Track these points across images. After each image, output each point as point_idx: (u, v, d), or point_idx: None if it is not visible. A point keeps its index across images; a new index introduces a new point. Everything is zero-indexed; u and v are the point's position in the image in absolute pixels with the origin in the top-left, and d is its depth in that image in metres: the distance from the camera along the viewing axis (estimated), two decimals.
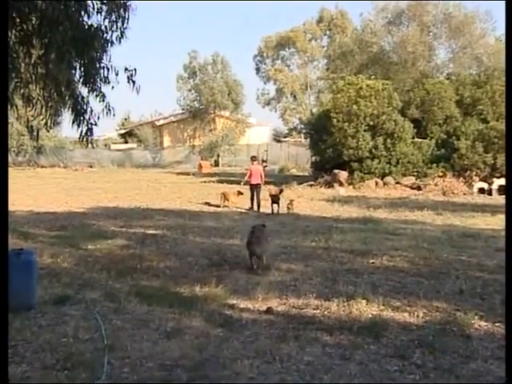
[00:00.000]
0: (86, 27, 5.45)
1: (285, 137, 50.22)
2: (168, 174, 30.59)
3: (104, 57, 5.63)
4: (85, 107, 5.79)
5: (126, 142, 45.00)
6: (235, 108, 42.35)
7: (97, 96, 5.73)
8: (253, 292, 6.08)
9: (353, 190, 19.13)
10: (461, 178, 19.23)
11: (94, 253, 8.28)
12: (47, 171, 32.37)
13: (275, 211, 13.58)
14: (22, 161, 36.44)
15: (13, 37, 5.40)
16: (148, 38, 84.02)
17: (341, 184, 19.82)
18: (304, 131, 37.27)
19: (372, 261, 7.74)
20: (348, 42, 28.20)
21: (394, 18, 25.32)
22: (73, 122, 5.83)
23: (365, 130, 20.29)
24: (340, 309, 5.46)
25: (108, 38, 5.56)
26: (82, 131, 5.86)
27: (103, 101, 5.75)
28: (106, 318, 5.16)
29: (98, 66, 5.58)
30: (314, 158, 24.51)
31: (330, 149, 20.92)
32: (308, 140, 27.44)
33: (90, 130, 5.88)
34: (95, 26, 5.51)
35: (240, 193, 14.86)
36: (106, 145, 43.88)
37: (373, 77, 22.31)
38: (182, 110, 43.29)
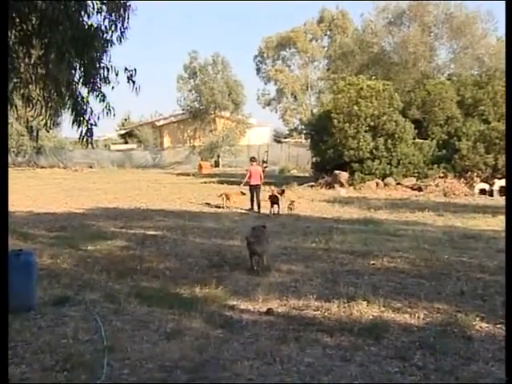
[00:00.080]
0: (86, 27, 5.45)
1: (285, 137, 50.20)
2: (168, 174, 30.58)
3: (104, 57, 5.64)
4: (85, 107, 5.78)
5: (126, 143, 45.01)
6: (235, 108, 42.34)
7: (97, 96, 5.72)
8: (253, 293, 6.07)
9: (353, 191, 19.11)
10: (462, 179, 19.20)
11: (93, 254, 8.27)
12: (47, 172, 32.36)
13: (275, 212, 13.56)
14: (22, 161, 36.42)
15: (12, 37, 5.39)
16: (148, 38, 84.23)
17: (341, 185, 19.81)
18: (304, 132, 37.22)
19: (373, 262, 7.72)
20: (349, 43, 28.18)
21: (395, 19, 25.32)
22: (73, 123, 5.82)
23: (365, 131, 20.27)
24: (340, 310, 5.44)
25: (108, 38, 5.55)
26: (81, 131, 5.85)
27: (103, 101, 5.74)
28: (106, 319, 5.14)
29: (97, 66, 5.57)
30: (314, 158, 24.49)
31: (330, 149, 20.91)
32: (308, 141, 27.41)
33: (89, 130, 5.87)
34: (95, 26, 5.51)
35: (243, 193, 14.84)
36: (105, 145, 43.86)
37: (373, 77, 22.30)
38: (183, 110, 43.28)
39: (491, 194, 18.14)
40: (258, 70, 47.87)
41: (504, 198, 14.34)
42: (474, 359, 4.28)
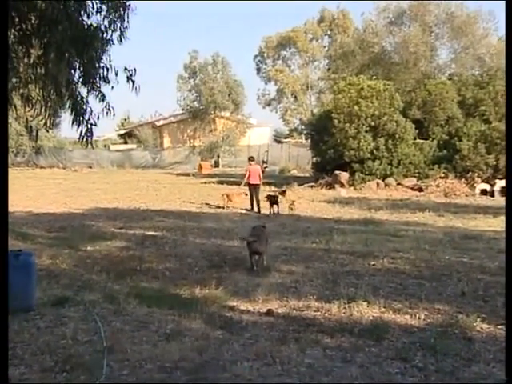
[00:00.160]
0: (86, 27, 5.44)
1: (285, 137, 50.17)
2: (168, 174, 30.56)
3: (104, 56, 5.62)
4: (84, 107, 5.76)
5: (126, 143, 44.93)
6: (235, 108, 42.24)
7: (96, 96, 5.71)
8: (253, 294, 6.05)
9: (354, 192, 19.09)
10: (463, 180, 19.17)
11: (93, 254, 8.26)
12: (46, 172, 32.31)
13: (275, 212, 13.53)
14: (21, 161, 36.29)
15: (12, 36, 5.38)
16: (148, 38, 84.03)
17: (342, 185, 19.78)
18: (305, 132, 37.26)
19: (373, 263, 7.70)
20: (349, 42, 28.19)
21: (396, 18, 25.31)
22: (72, 122, 5.81)
23: (366, 131, 20.25)
24: (341, 311, 5.43)
25: (108, 37, 5.53)
26: (81, 131, 5.83)
27: (103, 101, 5.73)
28: (106, 320, 5.12)
29: (97, 65, 5.56)
30: (314, 158, 24.47)
31: (330, 150, 20.88)
32: (309, 141, 27.40)
33: (89, 130, 5.86)
34: (95, 25, 5.49)
35: (246, 194, 14.80)
36: (105, 145, 43.71)
37: (374, 77, 22.28)
38: (182, 110, 43.18)
39: (492, 194, 18.10)
40: (258, 70, 47.93)
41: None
42: (474, 360, 4.26)
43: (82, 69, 5.62)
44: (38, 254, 7.49)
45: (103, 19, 5.54)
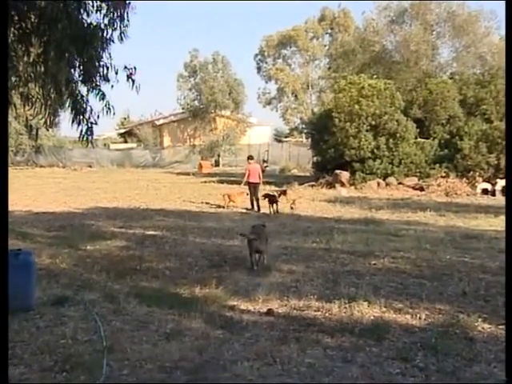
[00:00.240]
0: (86, 25, 5.41)
1: (286, 137, 50.17)
2: (168, 174, 30.55)
3: (104, 55, 5.59)
4: (84, 106, 5.74)
5: (126, 142, 44.86)
6: (236, 107, 42.22)
7: (96, 95, 5.68)
8: (253, 293, 6.04)
9: (354, 191, 19.06)
10: (464, 179, 19.13)
11: (93, 253, 8.25)
12: (46, 171, 32.30)
13: (273, 211, 13.48)
14: (21, 160, 36.24)
15: (11, 35, 5.35)
16: (148, 37, 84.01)
17: (342, 184, 19.76)
18: (305, 131, 37.24)
19: (374, 262, 7.69)
20: (350, 41, 28.15)
21: (397, 17, 25.28)
22: (72, 121, 5.78)
23: (367, 130, 20.22)
24: (341, 311, 5.42)
25: (108, 36, 5.51)
26: (82, 130, 5.81)
27: (103, 100, 5.70)
28: (105, 320, 5.11)
29: (97, 64, 5.53)
30: (315, 158, 24.45)
31: (331, 149, 20.86)
32: (309, 140, 27.39)
33: (90, 129, 5.83)
34: (94, 24, 5.47)
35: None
36: (105, 144, 43.63)
37: (375, 76, 22.27)
38: (183, 109, 43.15)
39: (493, 193, 18.08)
40: (259, 69, 47.86)
41: None
42: (476, 360, 4.25)
43: (81, 67, 5.59)
44: (38, 254, 7.48)
45: (103, 18, 5.51)
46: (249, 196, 14.59)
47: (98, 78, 5.63)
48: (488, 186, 18.58)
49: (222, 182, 23.09)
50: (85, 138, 5.87)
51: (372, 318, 5.25)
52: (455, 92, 21.17)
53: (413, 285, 6.52)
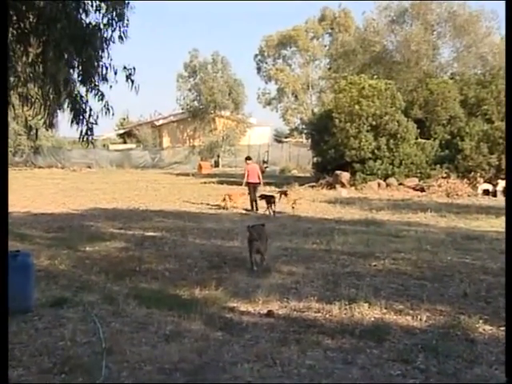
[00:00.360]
0: (85, 25, 5.40)
1: (286, 137, 50.12)
2: (167, 174, 30.53)
3: (103, 55, 5.57)
4: (84, 106, 5.72)
5: (125, 143, 44.81)
6: (236, 108, 42.21)
7: (95, 95, 5.67)
8: (253, 295, 6.01)
9: (355, 192, 19.04)
10: (465, 180, 19.10)
11: (92, 255, 8.23)
12: (45, 172, 32.26)
13: (271, 212, 13.43)
14: (19, 161, 36.13)
15: (10, 35, 5.33)
16: (148, 37, 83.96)
17: (343, 185, 19.74)
18: (305, 131, 37.16)
19: (374, 263, 7.67)
20: (350, 41, 28.12)
21: (398, 17, 25.27)
22: (71, 122, 5.77)
23: (367, 131, 20.20)
24: (342, 312, 5.39)
25: (107, 36, 5.50)
26: (81, 131, 5.79)
27: (102, 100, 5.69)
28: (105, 321, 5.09)
29: (96, 64, 5.52)
30: (315, 158, 24.44)
31: (331, 149, 20.84)
32: (309, 140, 27.34)
33: (90, 129, 5.82)
34: (94, 24, 5.45)
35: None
36: (104, 145, 43.46)
37: (375, 76, 22.23)
38: (182, 109, 43.12)
39: (495, 194, 18.05)
40: (259, 69, 47.85)
41: None
42: (477, 362, 4.23)
43: (80, 67, 5.58)
44: (37, 255, 7.47)
45: (102, 18, 5.51)
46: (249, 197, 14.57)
47: (96, 78, 5.62)
48: (489, 187, 18.56)
49: (221, 182, 23.07)
50: (85, 139, 5.86)
51: (372, 319, 5.23)
52: (456, 92, 21.15)
53: (413, 286, 6.49)
